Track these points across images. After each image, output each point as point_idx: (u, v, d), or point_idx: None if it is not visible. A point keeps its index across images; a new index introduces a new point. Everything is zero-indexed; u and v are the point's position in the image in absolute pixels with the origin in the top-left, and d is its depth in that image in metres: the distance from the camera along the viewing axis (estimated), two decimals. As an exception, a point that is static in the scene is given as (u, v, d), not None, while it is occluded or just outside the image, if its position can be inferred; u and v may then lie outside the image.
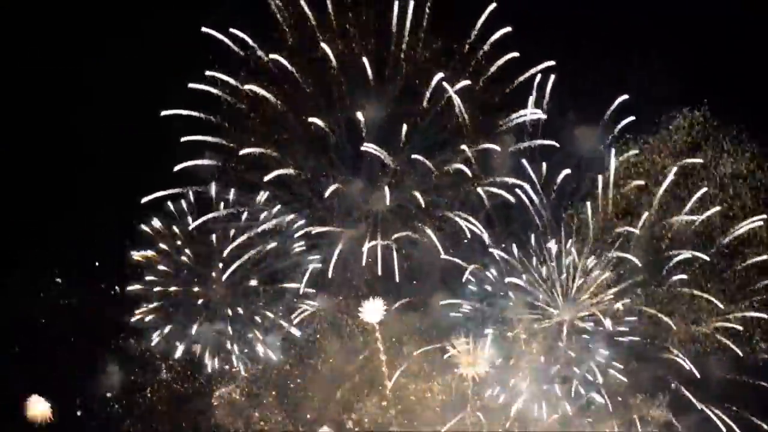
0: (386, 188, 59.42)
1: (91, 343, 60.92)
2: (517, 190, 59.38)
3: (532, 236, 60.14)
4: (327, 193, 59.19)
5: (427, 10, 58.64)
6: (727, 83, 61.40)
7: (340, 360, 60.91)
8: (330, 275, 59.70)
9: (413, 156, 59.14)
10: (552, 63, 59.27)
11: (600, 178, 59.58)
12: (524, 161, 59.61)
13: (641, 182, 59.96)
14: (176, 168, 59.13)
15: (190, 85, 58.61)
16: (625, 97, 59.75)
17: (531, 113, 59.43)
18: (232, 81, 58.86)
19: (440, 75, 58.35)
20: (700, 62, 61.16)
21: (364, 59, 58.41)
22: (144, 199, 59.60)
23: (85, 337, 61.13)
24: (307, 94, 59.34)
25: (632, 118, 59.72)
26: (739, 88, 61.24)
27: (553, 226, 60.06)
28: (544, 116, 59.46)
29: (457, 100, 58.77)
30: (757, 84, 61.66)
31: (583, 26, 61.21)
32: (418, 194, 59.39)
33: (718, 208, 59.47)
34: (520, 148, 59.68)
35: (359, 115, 58.45)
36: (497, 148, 59.29)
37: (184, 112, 58.78)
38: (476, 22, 58.81)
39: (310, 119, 58.81)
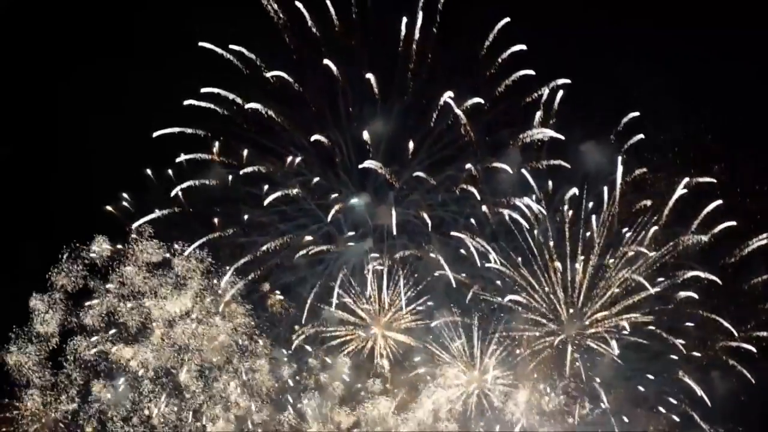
0: (392, 205, 59.71)
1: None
2: (523, 207, 59.67)
3: (537, 253, 60.32)
4: (330, 217, 59.58)
5: (435, 30, 58.93)
6: (734, 101, 61.63)
7: (346, 375, 60.87)
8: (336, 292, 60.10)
9: (415, 174, 59.55)
10: (567, 81, 59.80)
11: (606, 194, 59.82)
12: (530, 178, 59.77)
13: (648, 202, 60.06)
14: (175, 191, 59.60)
15: (187, 102, 59.15)
16: (636, 114, 60.19)
17: (539, 133, 59.55)
18: (238, 99, 59.05)
19: (449, 94, 58.53)
20: (708, 81, 61.39)
21: (371, 76, 58.54)
22: (135, 223, 60.13)
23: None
24: (313, 111, 59.59)
25: (641, 136, 59.92)
26: (746, 106, 61.55)
27: (559, 242, 60.26)
28: (561, 137, 59.64)
29: (464, 119, 59.04)
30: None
31: (591, 44, 61.37)
32: (424, 214, 59.80)
33: (733, 223, 59.52)
34: (528, 167, 59.74)
35: (365, 132, 58.93)
36: (508, 168, 59.50)
37: (188, 130, 59.13)
38: (486, 38, 59.42)
39: (315, 137, 59.21)
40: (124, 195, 60.87)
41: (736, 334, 59.20)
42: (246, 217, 59.95)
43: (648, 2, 64.86)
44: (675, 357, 59.34)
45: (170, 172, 60.00)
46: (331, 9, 58.85)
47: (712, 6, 62.71)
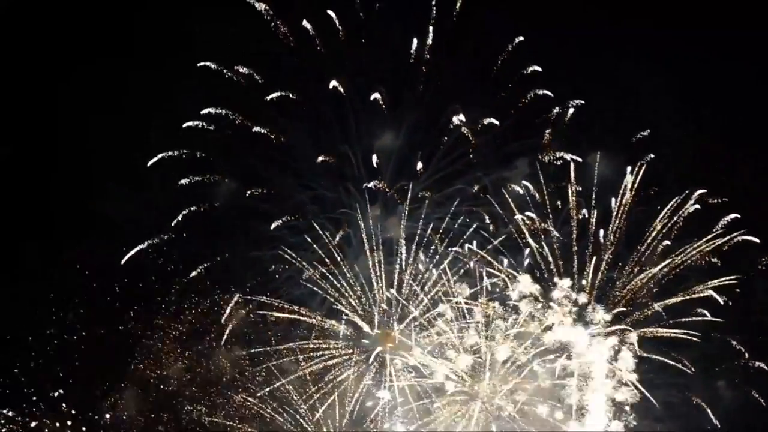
0: (402, 219, 59.63)
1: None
2: (528, 221, 59.90)
3: (544, 267, 60.32)
4: (337, 238, 59.35)
5: (445, 44, 58.75)
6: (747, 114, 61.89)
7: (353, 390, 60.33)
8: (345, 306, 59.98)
9: (424, 188, 59.48)
10: (581, 102, 60.19)
11: (615, 208, 60.09)
12: (537, 194, 60.01)
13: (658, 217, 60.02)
14: (179, 216, 59.06)
15: (188, 124, 58.71)
16: (646, 133, 60.41)
17: (551, 153, 59.93)
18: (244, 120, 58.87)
19: (461, 117, 58.89)
20: (719, 96, 61.62)
21: (377, 95, 58.34)
22: (132, 251, 59.52)
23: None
24: (321, 125, 59.41)
25: (651, 155, 60.08)
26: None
27: (566, 256, 60.32)
28: (578, 159, 59.94)
29: (472, 138, 59.30)
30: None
31: (605, 56, 62.03)
32: (432, 231, 59.64)
33: (756, 240, 59.70)
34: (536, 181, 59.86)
35: (374, 147, 59.10)
36: (517, 188, 59.90)
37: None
38: (496, 49, 59.44)
39: (321, 158, 59.09)
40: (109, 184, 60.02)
41: (745, 353, 59.58)
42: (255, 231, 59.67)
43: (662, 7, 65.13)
44: (683, 370, 59.21)
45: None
46: (336, 21, 58.86)
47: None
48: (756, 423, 59.67)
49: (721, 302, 58.27)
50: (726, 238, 59.41)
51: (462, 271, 59.72)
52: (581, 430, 59.19)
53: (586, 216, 59.70)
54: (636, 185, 59.86)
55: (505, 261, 60.11)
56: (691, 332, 58.42)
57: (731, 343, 59.37)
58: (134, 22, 62.26)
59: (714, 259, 59.34)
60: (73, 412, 59.81)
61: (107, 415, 60.11)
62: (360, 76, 58.53)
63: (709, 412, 58.93)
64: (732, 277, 58.70)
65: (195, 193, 58.84)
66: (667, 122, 61.19)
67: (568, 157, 59.71)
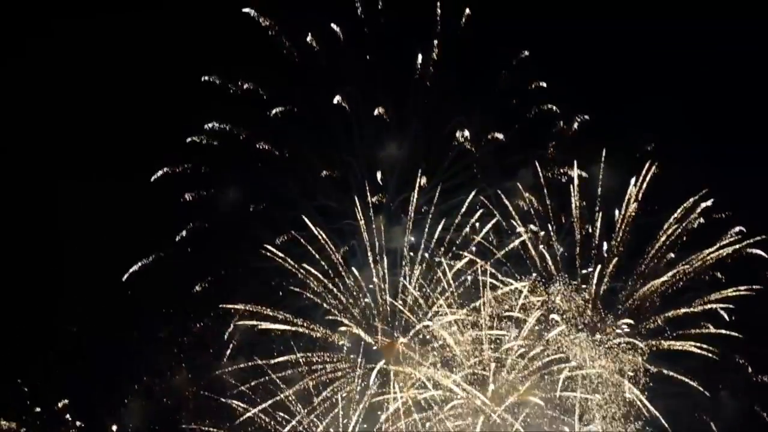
0: (407, 230, 59.50)
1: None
2: (532, 234, 59.96)
3: (547, 277, 60.34)
4: (341, 250, 59.34)
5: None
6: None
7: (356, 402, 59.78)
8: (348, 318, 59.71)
9: (428, 198, 59.37)
10: (585, 116, 60.24)
11: (619, 221, 60.02)
12: (540, 207, 60.05)
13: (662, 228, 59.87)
14: (180, 235, 58.82)
15: (190, 139, 58.63)
16: (650, 147, 60.33)
17: (555, 168, 59.89)
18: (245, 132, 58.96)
19: (466, 134, 59.08)
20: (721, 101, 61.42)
21: (381, 109, 58.30)
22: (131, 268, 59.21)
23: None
24: (325, 139, 59.24)
25: (655, 168, 59.75)
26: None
27: (571, 267, 60.45)
28: (584, 174, 59.78)
29: (476, 152, 59.44)
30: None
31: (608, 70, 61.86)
32: (436, 246, 59.64)
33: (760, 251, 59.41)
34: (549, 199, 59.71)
35: (379, 156, 59.39)
36: (523, 205, 59.96)
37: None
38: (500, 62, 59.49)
39: (324, 172, 59.36)
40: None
41: (748, 366, 59.57)
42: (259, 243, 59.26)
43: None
44: (685, 381, 58.90)
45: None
46: (341, 35, 58.80)
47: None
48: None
49: (726, 316, 58.30)
50: (730, 249, 59.33)
51: (466, 282, 59.57)
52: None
53: (590, 230, 59.65)
54: (639, 196, 59.88)
55: (509, 272, 60.06)
56: (696, 344, 58.53)
57: (734, 355, 59.36)
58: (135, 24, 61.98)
59: (718, 274, 59.25)
60: (78, 423, 60.14)
61: (114, 427, 60.48)
62: (364, 90, 58.59)
63: (712, 425, 59.21)
64: (734, 289, 58.60)
65: (199, 207, 59.01)
66: (670, 130, 61.05)
67: (573, 173, 59.72)
